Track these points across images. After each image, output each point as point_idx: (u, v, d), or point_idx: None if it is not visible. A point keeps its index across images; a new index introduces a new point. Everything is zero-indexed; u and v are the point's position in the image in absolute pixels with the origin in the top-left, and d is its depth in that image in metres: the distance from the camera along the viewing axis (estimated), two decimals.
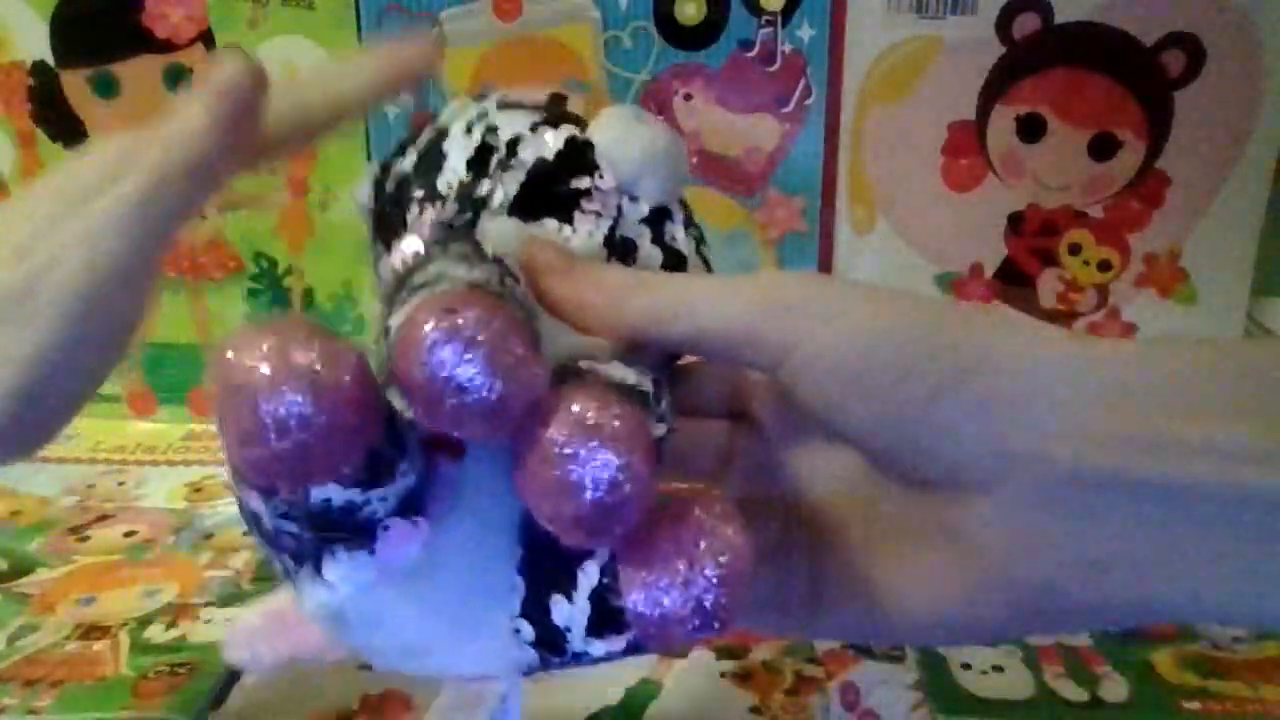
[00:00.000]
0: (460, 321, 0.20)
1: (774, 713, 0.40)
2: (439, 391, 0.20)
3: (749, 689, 0.41)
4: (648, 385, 0.25)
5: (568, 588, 0.24)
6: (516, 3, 0.60)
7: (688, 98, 0.61)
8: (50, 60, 0.61)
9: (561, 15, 0.60)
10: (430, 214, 0.28)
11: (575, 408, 0.21)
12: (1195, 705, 0.40)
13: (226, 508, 0.56)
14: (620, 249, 0.28)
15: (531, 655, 0.25)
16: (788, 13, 0.59)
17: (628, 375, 0.24)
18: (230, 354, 0.20)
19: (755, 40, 0.60)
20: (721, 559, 0.23)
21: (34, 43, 0.61)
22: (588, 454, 0.21)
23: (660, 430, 0.24)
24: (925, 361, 0.24)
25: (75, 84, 0.62)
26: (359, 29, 0.61)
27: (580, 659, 0.25)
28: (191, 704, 0.40)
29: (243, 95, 0.28)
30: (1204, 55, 0.58)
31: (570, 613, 0.24)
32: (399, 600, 0.24)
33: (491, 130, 0.29)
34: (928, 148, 0.61)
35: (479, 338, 0.20)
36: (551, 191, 0.28)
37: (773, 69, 0.60)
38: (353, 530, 0.23)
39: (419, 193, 0.28)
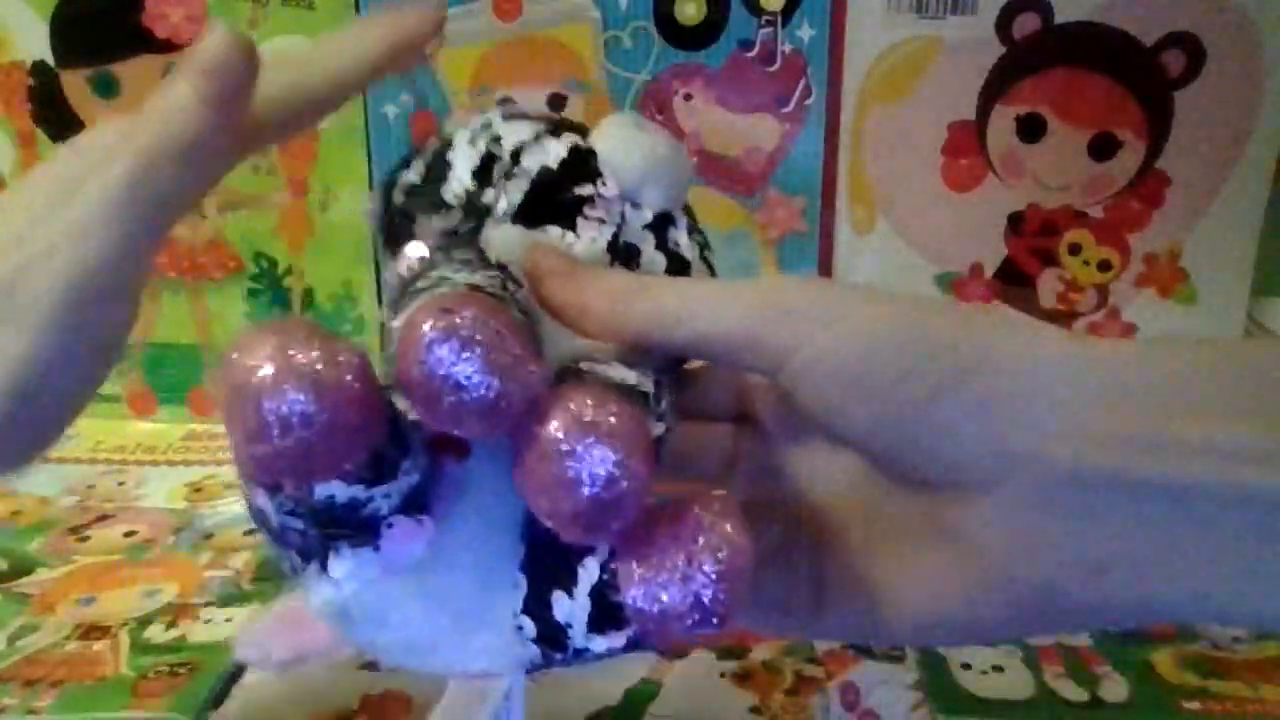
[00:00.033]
0: (457, 321, 0.21)
1: (774, 713, 0.40)
2: (437, 389, 0.21)
3: (749, 689, 0.41)
4: (648, 386, 0.25)
5: (568, 584, 0.24)
6: (516, 3, 0.60)
7: (688, 98, 0.61)
8: (50, 60, 0.61)
9: (561, 15, 0.60)
10: (436, 223, 0.28)
11: (572, 405, 0.22)
12: (1195, 705, 0.40)
13: (226, 508, 0.56)
14: (624, 255, 0.29)
15: (534, 652, 0.25)
16: (788, 13, 0.59)
17: (627, 376, 0.25)
18: (235, 355, 0.21)
19: (755, 40, 0.60)
20: (720, 555, 0.23)
21: (34, 43, 0.61)
22: (584, 450, 0.21)
23: (659, 429, 0.24)
24: (925, 362, 0.24)
25: (75, 84, 0.62)
26: None
27: (582, 655, 0.25)
28: (191, 704, 0.40)
29: (231, 71, 0.26)
30: (1204, 55, 0.58)
31: (571, 609, 0.24)
32: (404, 597, 0.25)
33: (496, 140, 0.29)
34: (928, 148, 0.61)
35: (476, 336, 0.20)
36: (555, 199, 0.28)
37: (773, 69, 0.60)
38: (357, 527, 0.23)
39: (425, 202, 0.29)
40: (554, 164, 0.28)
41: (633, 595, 0.23)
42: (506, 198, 0.28)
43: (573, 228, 0.28)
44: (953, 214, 0.62)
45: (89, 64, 0.61)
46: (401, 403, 0.22)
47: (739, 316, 0.25)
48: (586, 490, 0.21)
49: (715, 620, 0.23)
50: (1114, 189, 0.61)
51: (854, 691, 0.41)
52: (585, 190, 0.28)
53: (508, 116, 0.30)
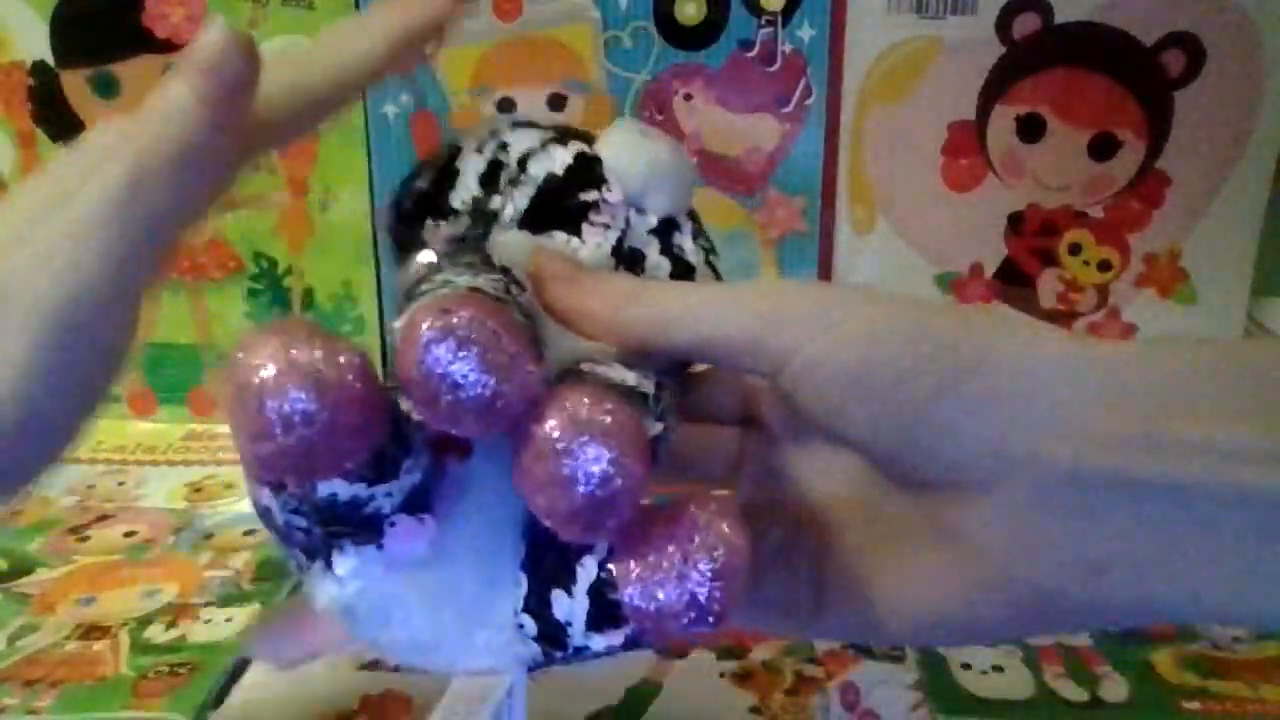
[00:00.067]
0: (455, 320, 0.21)
1: (774, 713, 0.40)
2: (435, 388, 0.21)
3: (749, 689, 0.41)
4: (647, 387, 0.25)
5: (567, 583, 0.24)
6: (516, 3, 0.60)
7: (688, 98, 0.61)
8: (50, 60, 0.61)
9: (561, 15, 0.60)
10: (444, 229, 0.29)
11: (569, 404, 0.22)
12: (1195, 705, 0.40)
13: (226, 508, 0.56)
14: (628, 259, 0.29)
15: (535, 650, 0.26)
16: (788, 13, 0.59)
17: (627, 377, 0.25)
18: (238, 355, 0.21)
19: (755, 40, 0.60)
20: (716, 554, 0.23)
21: (34, 43, 0.61)
22: (579, 449, 0.21)
23: (656, 429, 0.24)
24: (924, 362, 0.24)
25: (75, 84, 0.62)
26: None
27: (582, 653, 0.25)
28: (191, 704, 0.40)
29: (231, 70, 0.25)
30: (1204, 55, 0.58)
31: (570, 607, 0.24)
32: (407, 595, 0.25)
33: (503, 147, 0.30)
34: (928, 148, 0.61)
35: (472, 336, 0.21)
36: (560, 205, 0.29)
37: (773, 69, 0.60)
38: (360, 526, 0.24)
39: (433, 209, 0.29)
40: (560, 171, 0.29)
41: (629, 594, 0.23)
42: (513, 204, 0.29)
43: (578, 233, 0.29)
44: (953, 214, 0.62)
45: (89, 64, 0.61)
46: (404, 402, 0.23)
47: (739, 320, 0.25)
48: (582, 488, 0.22)
49: (711, 619, 0.23)
50: (1114, 189, 0.61)
51: (854, 691, 0.41)
52: (590, 196, 0.29)
53: (515, 125, 0.31)
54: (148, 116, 0.25)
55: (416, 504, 0.24)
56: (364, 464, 0.22)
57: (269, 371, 0.20)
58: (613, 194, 0.29)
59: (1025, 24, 0.58)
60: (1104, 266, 0.62)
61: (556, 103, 0.61)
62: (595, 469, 0.21)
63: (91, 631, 0.45)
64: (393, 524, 0.24)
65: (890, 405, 0.24)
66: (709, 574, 0.23)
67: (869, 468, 0.27)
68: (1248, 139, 0.59)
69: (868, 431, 0.25)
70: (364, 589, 0.25)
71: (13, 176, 0.63)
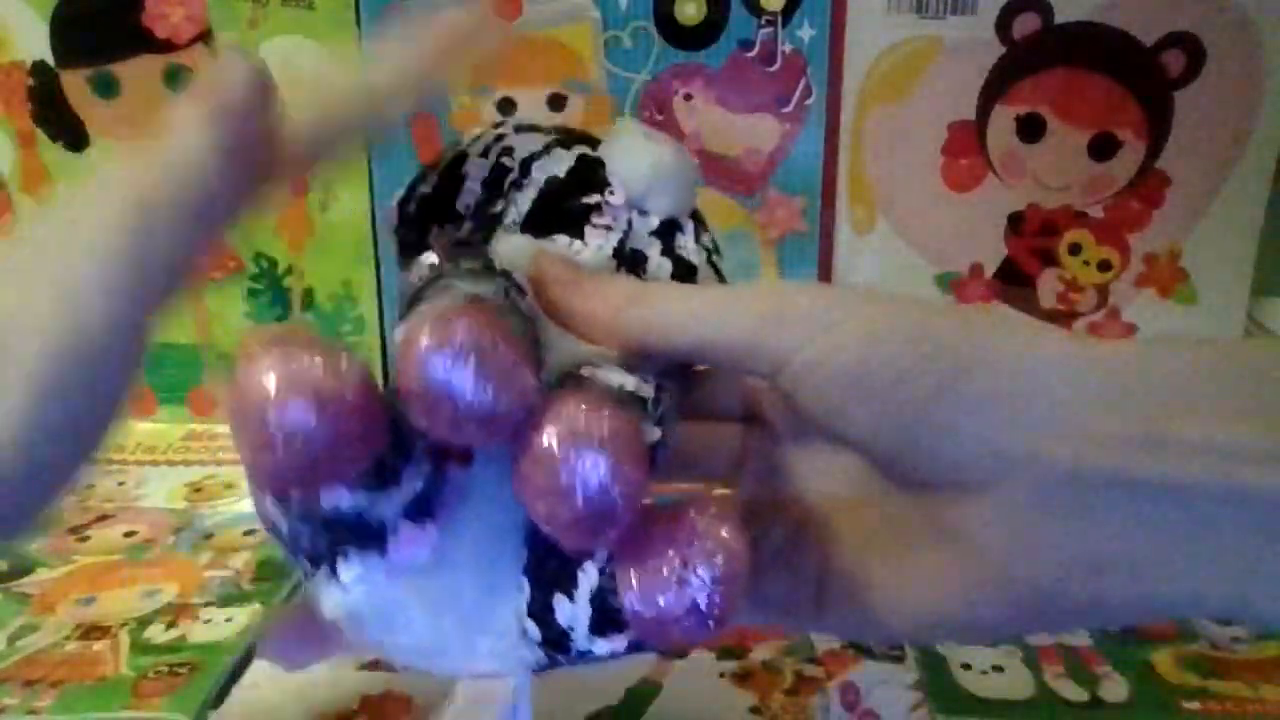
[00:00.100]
0: (453, 332, 0.21)
1: (774, 713, 0.40)
2: (434, 400, 0.21)
3: (749, 689, 0.41)
4: (647, 391, 0.25)
5: (569, 588, 0.25)
6: (516, 3, 0.60)
7: (688, 98, 0.61)
8: (50, 60, 0.61)
9: (561, 15, 0.60)
10: (448, 233, 0.29)
11: (567, 413, 0.22)
12: (1195, 705, 0.40)
13: (226, 508, 0.56)
14: (630, 261, 0.29)
15: (539, 654, 0.26)
16: (788, 13, 0.59)
17: (626, 381, 0.25)
18: (240, 368, 0.21)
19: (755, 40, 0.60)
20: (715, 560, 0.23)
21: (34, 43, 0.61)
22: (577, 458, 0.22)
23: (656, 435, 0.25)
24: (924, 363, 0.24)
25: (75, 84, 0.62)
26: (359, 29, 0.61)
27: (586, 657, 0.25)
28: (191, 704, 0.40)
29: (248, 106, 0.23)
30: (1204, 55, 0.58)
31: (573, 613, 0.25)
32: (411, 601, 0.25)
33: (507, 151, 0.30)
34: (928, 148, 0.61)
35: (470, 348, 0.21)
36: (563, 208, 0.29)
37: (773, 69, 0.60)
38: (363, 533, 0.24)
39: (438, 213, 0.29)
40: (562, 174, 0.29)
41: (631, 600, 0.24)
42: (516, 207, 0.29)
43: (580, 236, 0.29)
44: (953, 214, 0.62)
45: (89, 64, 0.61)
46: (408, 413, 0.23)
47: (738, 322, 0.25)
48: (580, 498, 0.22)
49: (712, 624, 0.23)
50: (1114, 189, 0.61)
51: (854, 691, 0.41)
52: (592, 199, 0.29)
53: (519, 128, 0.31)
54: (155, 159, 0.23)
55: (419, 511, 0.24)
56: (366, 472, 0.23)
57: (270, 384, 0.21)
58: (615, 196, 0.29)
59: (1025, 24, 0.58)
60: (1104, 266, 0.62)
61: (556, 103, 0.61)
62: (594, 478, 0.22)
63: (91, 631, 0.45)
64: (395, 531, 0.24)
65: (890, 405, 0.24)
66: (709, 580, 0.23)
67: (869, 467, 0.27)
68: (1248, 139, 0.59)
69: (868, 432, 0.25)
70: (368, 595, 0.25)
71: (13, 176, 0.63)
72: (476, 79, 0.61)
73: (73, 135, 0.63)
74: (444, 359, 0.21)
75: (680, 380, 0.28)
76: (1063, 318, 0.63)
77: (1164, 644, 0.43)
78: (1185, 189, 0.61)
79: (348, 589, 0.25)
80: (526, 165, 0.29)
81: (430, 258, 0.28)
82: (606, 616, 0.24)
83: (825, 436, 0.26)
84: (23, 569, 0.50)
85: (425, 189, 0.30)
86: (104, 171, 0.24)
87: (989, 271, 0.63)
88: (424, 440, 0.23)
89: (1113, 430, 0.22)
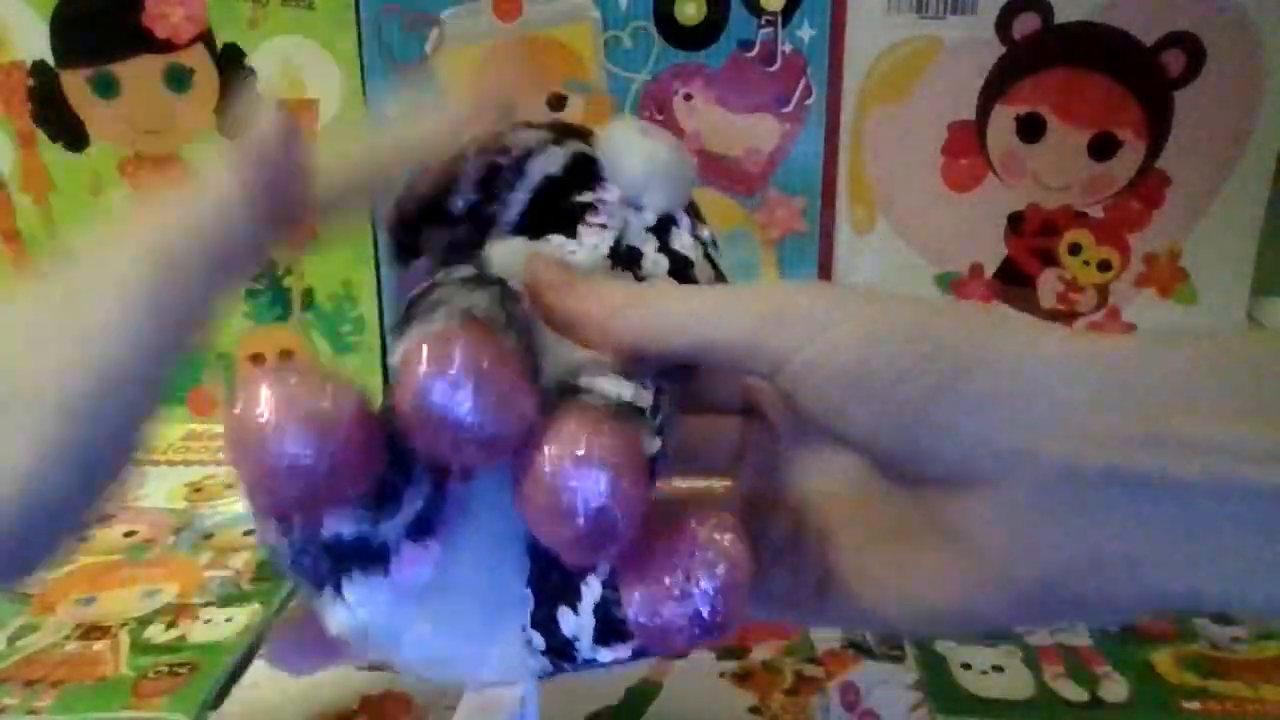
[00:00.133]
0: (450, 357, 0.21)
1: (774, 713, 0.40)
2: (433, 427, 0.21)
3: (749, 689, 0.41)
4: (645, 399, 0.25)
5: (573, 600, 0.25)
6: (516, 3, 0.60)
7: (688, 98, 0.61)
8: (50, 60, 0.61)
9: (561, 15, 0.60)
10: (443, 236, 0.29)
11: (566, 432, 0.22)
12: (1195, 705, 0.40)
13: (226, 508, 0.56)
14: (625, 258, 0.29)
15: (545, 663, 0.26)
16: (788, 13, 0.59)
17: (624, 391, 0.25)
18: (237, 407, 0.22)
19: (755, 40, 0.60)
20: (717, 570, 0.23)
21: (34, 43, 0.61)
22: (578, 478, 0.22)
23: (655, 446, 0.25)
24: (923, 362, 0.24)
25: (75, 84, 0.62)
26: (359, 29, 0.61)
27: (591, 665, 0.25)
28: (191, 704, 0.40)
29: (279, 159, 0.23)
30: (1204, 55, 0.58)
31: (577, 624, 0.25)
32: (417, 617, 0.25)
33: (502, 150, 0.30)
34: (928, 148, 0.61)
35: (468, 372, 0.21)
36: (558, 207, 0.29)
37: (773, 69, 0.60)
38: (366, 555, 0.24)
39: (434, 214, 0.29)
40: (557, 171, 0.29)
41: (634, 611, 0.24)
42: (510, 208, 0.29)
43: (575, 235, 0.29)
44: (953, 214, 0.62)
45: (89, 64, 0.61)
46: (408, 437, 0.23)
47: (737, 322, 0.25)
48: (582, 518, 0.22)
49: (715, 632, 0.24)
50: (1114, 189, 0.61)
51: (854, 691, 0.41)
52: (587, 197, 0.29)
53: (514, 127, 0.30)
54: (184, 209, 0.24)
55: (420, 530, 0.24)
56: (366, 495, 0.23)
57: (267, 417, 0.21)
58: (609, 194, 0.29)
59: (1025, 24, 0.58)
60: (1104, 266, 0.62)
61: (556, 103, 0.61)
62: (594, 497, 0.22)
63: (91, 631, 0.45)
64: (398, 552, 0.24)
65: (890, 406, 0.24)
66: (711, 590, 0.23)
67: (869, 464, 0.27)
68: (1248, 139, 0.59)
69: (867, 431, 0.25)
70: (373, 615, 0.25)
71: (13, 176, 0.63)
72: (476, 83, 0.61)
73: (73, 135, 0.63)
74: (442, 384, 0.21)
75: (679, 376, 0.28)
76: (1063, 318, 0.63)
77: (1164, 644, 0.43)
78: (1185, 189, 0.61)
79: (353, 609, 0.25)
80: (521, 163, 0.29)
81: (424, 263, 0.28)
82: (610, 627, 0.24)
83: (825, 435, 0.26)
84: None
85: (421, 190, 0.30)
86: (131, 216, 0.25)
87: (989, 271, 0.63)
88: (423, 459, 0.24)
89: (1112, 428, 0.22)
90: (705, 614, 0.23)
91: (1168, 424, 0.22)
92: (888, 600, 0.26)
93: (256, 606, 0.46)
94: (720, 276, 0.30)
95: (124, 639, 0.44)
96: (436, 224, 0.29)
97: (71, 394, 0.22)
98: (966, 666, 0.42)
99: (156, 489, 0.58)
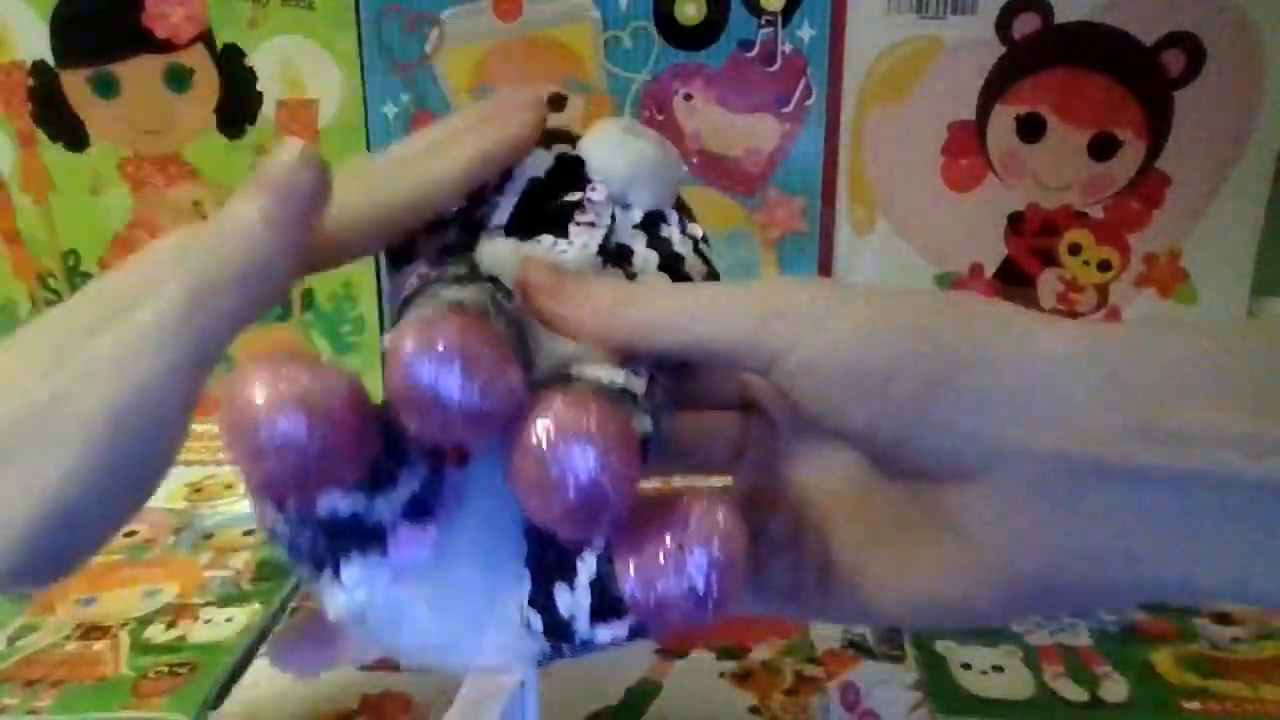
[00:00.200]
0: (436, 336, 0.22)
1: (774, 713, 0.40)
2: (422, 402, 0.22)
3: (749, 689, 0.41)
4: (637, 385, 0.25)
5: (569, 578, 0.25)
6: (516, 3, 0.60)
7: (688, 98, 0.61)
8: (50, 60, 0.61)
9: (561, 15, 0.60)
10: (435, 240, 0.29)
11: (554, 407, 0.22)
12: (1195, 705, 0.40)
13: (227, 508, 0.56)
14: (615, 255, 0.29)
15: (543, 644, 0.26)
16: (788, 13, 0.59)
17: (616, 377, 0.25)
18: (231, 388, 0.22)
19: (755, 40, 0.60)
20: (712, 543, 0.24)
21: (34, 43, 0.61)
22: (565, 451, 0.22)
23: (647, 425, 0.25)
24: (919, 360, 0.24)
25: (75, 84, 0.62)
26: (359, 29, 0.61)
27: (589, 646, 0.26)
28: (191, 704, 0.40)
29: (301, 191, 0.24)
30: (1204, 55, 0.58)
31: (573, 602, 0.25)
32: (415, 599, 0.25)
33: None
34: (928, 148, 0.61)
35: (455, 350, 0.21)
36: (545, 208, 0.29)
37: (773, 69, 0.60)
38: (363, 536, 0.24)
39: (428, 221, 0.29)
40: (543, 174, 0.29)
41: (629, 586, 0.24)
42: (498, 211, 0.29)
43: (564, 234, 0.29)
44: (953, 214, 0.62)
45: (89, 64, 0.61)
46: (399, 417, 0.23)
47: (732, 321, 0.26)
48: (571, 490, 0.22)
49: (711, 606, 0.24)
50: (1114, 189, 0.61)
51: (854, 691, 0.41)
52: (574, 196, 0.29)
53: None
54: (211, 237, 0.25)
55: (417, 511, 0.25)
56: (362, 476, 0.23)
57: (259, 399, 0.21)
58: (596, 193, 0.29)
59: (1025, 24, 0.58)
60: (1104, 266, 0.62)
61: (556, 103, 0.61)
62: (583, 470, 0.22)
63: (91, 631, 0.45)
64: (395, 533, 0.25)
65: (888, 403, 0.24)
66: (706, 563, 0.23)
67: (868, 460, 0.27)
68: (1248, 139, 0.59)
69: (865, 427, 0.25)
70: (372, 597, 0.25)
71: (13, 176, 0.63)
72: (476, 79, 0.61)
73: (73, 135, 0.63)
74: (429, 363, 0.21)
75: (674, 372, 0.28)
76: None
77: (1164, 644, 0.43)
78: (1185, 189, 0.61)
79: (351, 591, 0.25)
80: (508, 169, 0.29)
81: (417, 267, 0.28)
82: (607, 603, 0.25)
83: (824, 430, 0.26)
84: None
85: None
86: (157, 247, 0.26)
87: (989, 271, 0.63)
88: (418, 442, 0.24)
89: (1108, 422, 0.23)
90: (700, 588, 0.23)
91: (1164, 417, 0.22)
92: (887, 594, 0.27)
93: (256, 606, 0.46)
94: (713, 272, 0.31)
95: (124, 639, 0.44)
96: (427, 230, 0.29)
97: (109, 414, 0.23)
98: (966, 666, 0.42)
99: (156, 490, 0.58)
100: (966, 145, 0.61)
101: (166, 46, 0.61)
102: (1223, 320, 0.62)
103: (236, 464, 0.22)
